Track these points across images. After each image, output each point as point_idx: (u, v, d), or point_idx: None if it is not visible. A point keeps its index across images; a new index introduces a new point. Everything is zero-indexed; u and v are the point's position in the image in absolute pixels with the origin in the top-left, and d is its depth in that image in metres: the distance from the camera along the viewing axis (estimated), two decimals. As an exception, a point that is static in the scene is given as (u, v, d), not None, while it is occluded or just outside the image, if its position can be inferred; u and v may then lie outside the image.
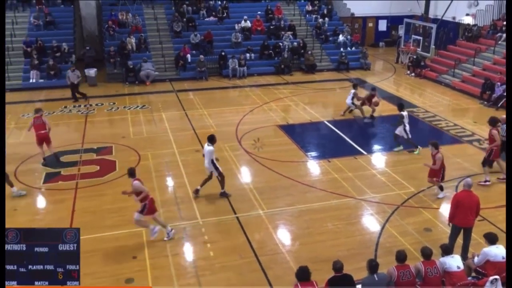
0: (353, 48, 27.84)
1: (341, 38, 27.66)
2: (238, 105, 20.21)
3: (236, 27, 26.92)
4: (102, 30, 26.45)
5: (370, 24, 33.98)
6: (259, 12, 28.29)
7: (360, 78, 24.73)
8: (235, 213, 11.32)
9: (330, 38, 28.02)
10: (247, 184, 12.87)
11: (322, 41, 27.75)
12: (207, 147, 11.62)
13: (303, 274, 7.00)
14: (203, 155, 11.85)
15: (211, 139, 11.69)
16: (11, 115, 18.44)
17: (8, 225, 10.62)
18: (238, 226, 10.77)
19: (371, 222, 11.03)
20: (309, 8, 29.82)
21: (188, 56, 24.65)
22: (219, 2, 28.85)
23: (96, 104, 20.13)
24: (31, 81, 22.35)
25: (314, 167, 14.23)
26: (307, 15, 29.52)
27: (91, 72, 23.11)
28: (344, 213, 11.34)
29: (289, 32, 27.12)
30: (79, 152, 14.92)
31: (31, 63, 22.58)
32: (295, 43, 26.47)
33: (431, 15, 30.19)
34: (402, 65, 27.47)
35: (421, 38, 27.08)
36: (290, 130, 16.91)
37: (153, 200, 10.09)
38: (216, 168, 11.69)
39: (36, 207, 11.99)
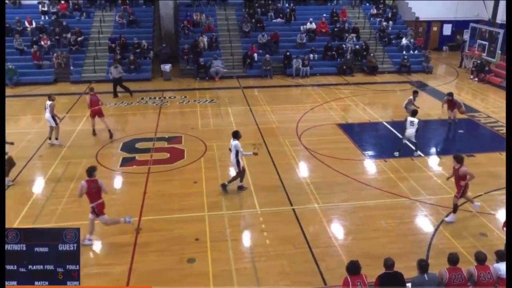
0: (416, 52, 26.79)
1: (404, 41, 26.72)
2: (300, 103, 20.08)
3: (302, 29, 26.74)
4: (178, 29, 27.19)
5: (435, 28, 32.52)
6: (324, 15, 27.93)
7: (422, 81, 23.78)
8: (291, 205, 11.29)
9: (393, 41, 27.12)
10: (304, 179, 12.79)
11: (385, 43, 26.92)
12: (233, 142, 11.53)
13: (353, 268, 6.86)
14: (230, 150, 11.75)
15: (236, 135, 11.67)
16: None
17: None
18: (294, 218, 10.74)
19: (424, 223, 10.61)
20: (374, 11, 28.97)
21: (255, 55, 24.84)
22: (287, 5, 28.78)
23: (170, 97, 20.78)
24: (114, 73, 23.41)
25: (370, 166, 13.87)
26: (371, 18, 28.72)
27: (166, 67, 23.83)
28: (398, 212, 10.99)
29: (352, 34, 26.55)
30: (152, 140, 15.47)
31: (114, 57, 23.62)
32: (358, 46, 25.87)
33: (498, 20, 28.35)
34: (466, 70, 26.08)
35: (486, 43, 25.55)
36: (348, 129, 16.58)
37: (103, 205, 9.54)
38: (238, 164, 11.59)
39: (113, 187, 12.50)
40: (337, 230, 10.38)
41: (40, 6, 26.43)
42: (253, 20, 27.00)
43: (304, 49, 25.62)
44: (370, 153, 14.59)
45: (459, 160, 10.16)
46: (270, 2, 28.57)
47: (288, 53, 24.83)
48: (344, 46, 25.80)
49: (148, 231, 10.15)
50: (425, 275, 6.89)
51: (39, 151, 14.47)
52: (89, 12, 26.84)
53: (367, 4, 29.75)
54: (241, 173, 11.78)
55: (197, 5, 27.94)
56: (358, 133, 16.56)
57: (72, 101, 19.92)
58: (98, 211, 9.46)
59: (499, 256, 7.26)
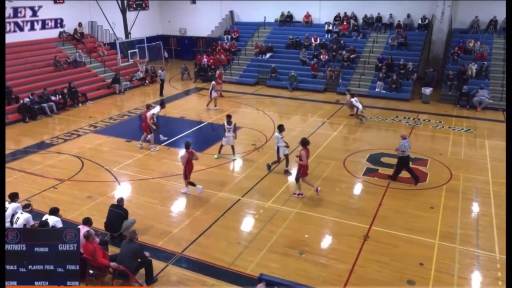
0: None
1: None
2: None
3: None
4: (447, 54, 25.37)
5: None
6: None
7: None
8: (541, 262, 9.18)
9: None
10: None
11: None
12: (276, 134, 13.22)
13: None
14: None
15: (280, 128, 13.20)
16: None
17: (327, 199, 11.78)
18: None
19: None
20: None
21: (531, 89, 21.00)
22: None
23: (424, 120, 19.63)
24: (376, 90, 23.62)
25: None
26: None
27: (427, 90, 22.57)
28: None
29: None
30: (398, 157, 14.96)
31: (378, 75, 23.83)
32: None
33: None
34: None
35: None
36: None
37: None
38: (277, 152, 13.22)
39: (352, 191, 12.71)
40: None
41: (326, 26, 28.83)
42: (537, 51, 22.84)
43: None
44: None
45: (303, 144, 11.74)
46: None
47: None
48: None
49: (375, 241, 9.93)
50: None
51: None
52: (365, 33, 27.73)
53: None
54: (278, 160, 13.42)
55: (473, 32, 25.41)
56: None
57: (334, 109, 21.05)
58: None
59: None
